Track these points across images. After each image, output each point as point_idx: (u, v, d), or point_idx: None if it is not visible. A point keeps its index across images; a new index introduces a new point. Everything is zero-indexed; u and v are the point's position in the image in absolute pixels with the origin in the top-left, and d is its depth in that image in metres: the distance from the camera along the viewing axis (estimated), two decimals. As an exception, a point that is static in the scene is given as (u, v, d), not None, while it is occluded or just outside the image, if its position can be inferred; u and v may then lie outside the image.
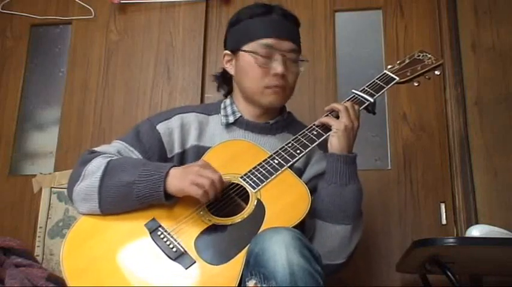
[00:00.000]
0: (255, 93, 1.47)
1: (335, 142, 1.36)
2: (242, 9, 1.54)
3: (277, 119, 1.53)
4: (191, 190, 1.19)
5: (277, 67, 1.43)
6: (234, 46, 1.51)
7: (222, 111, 1.53)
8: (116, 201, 1.24)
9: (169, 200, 1.23)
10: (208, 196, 1.20)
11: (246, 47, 1.46)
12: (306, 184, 1.34)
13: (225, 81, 1.60)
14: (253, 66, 1.45)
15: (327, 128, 1.39)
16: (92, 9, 2.37)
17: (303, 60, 1.49)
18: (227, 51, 1.53)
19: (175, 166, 1.26)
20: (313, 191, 1.38)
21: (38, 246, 2.07)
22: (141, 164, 1.28)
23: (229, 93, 1.60)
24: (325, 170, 1.36)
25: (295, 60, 1.47)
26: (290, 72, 1.47)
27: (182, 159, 1.44)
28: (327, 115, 1.42)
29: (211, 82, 2.24)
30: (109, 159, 1.31)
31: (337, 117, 1.39)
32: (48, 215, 2.10)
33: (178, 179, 1.21)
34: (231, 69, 1.53)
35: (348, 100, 1.45)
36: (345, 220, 1.33)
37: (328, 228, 1.33)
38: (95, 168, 1.28)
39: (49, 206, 2.12)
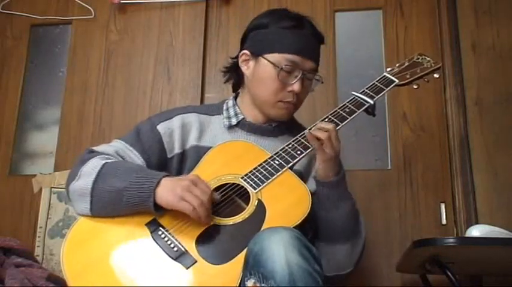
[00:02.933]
0: (267, 103, 1.47)
1: (321, 172, 1.35)
2: (272, 14, 1.51)
3: (279, 122, 1.53)
4: (180, 206, 1.19)
5: (296, 85, 1.42)
6: (256, 50, 1.46)
7: (225, 113, 1.52)
8: (107, 206, 1.24)
9: (159, 211, 1.22)
10: (197, 214, 1.18)
11: (269, 57, 1.43)
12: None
13: (236, 76, 1.57)
14: (272, 78, 1.43)
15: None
16: (92, 9, 2.37)
17: (318, 80, 1.49)
18: (246, 52, 1.49)
19: (168, 176, 1.25)
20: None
21: (38, 246, 2.07)
22: (133, 170, 1.27)
23: (236, 86, 1.59)
24: (315, 194, 1.35)
25: (312, 79, 1.48)
26: (305, 91, 1.47)
27: (182, 159, 1.44)
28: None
29: (211, 82, 2.26)
30: (104, 161, 1.30)
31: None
32: (48, 215, 2.10)
33: (168, 193, 1.20)
34: (246, 69, 1.50)
35: (347, 103, 1.44)
36: (344, 239, 1.35)
37: (329, 248, 1.35)
38: (90, 169, 1.28)
39: (49, 206, 2.12)
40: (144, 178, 1.23)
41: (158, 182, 1.21)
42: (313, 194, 1.34)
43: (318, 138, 1.33)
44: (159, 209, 1.22)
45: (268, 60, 1.43)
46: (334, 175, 1.35)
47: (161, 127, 1.46)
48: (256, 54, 1.47)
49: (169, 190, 1.20)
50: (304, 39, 1.44)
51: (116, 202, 1.23)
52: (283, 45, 1.43)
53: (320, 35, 1.50)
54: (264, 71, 1.44)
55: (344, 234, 1.35)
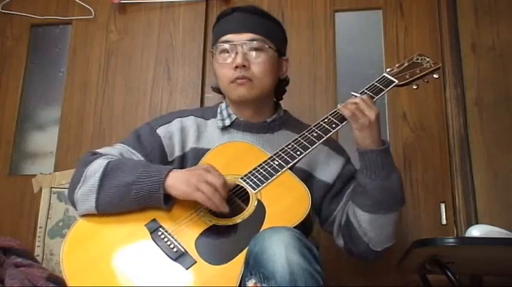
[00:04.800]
0: (226, 90, 1.51)
1: (369, 138, 1.37)
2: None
3: (273, 117, 1.54)
4: (196, 196, 1.19)
5: (236, 59, 1.45)
6: (212, 55, 1.56)
7: (219, 115, 1.54)
8: (114, 201, 1.24)
9: (167, 204, 1.23)
10: (213, 202, 1.19)
11: (213, 50, 1.52)
12: (331, 185, 1.45)
13: (219, 90, 1.60)
14: (218, 64, 1.50)
15: (327, 129, 1.39)
16: (92, 9, 2.37)
17: (269, 47, 1.48)
18: (212, 50, 1.57)
19: (175, 169, 1.25)
20: (341, 189, 1.47)
21: (38, 246, 2.06)
22: (140, 165, 1.28)
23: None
24: (364, 166, 1.38)
25: (258, 47, 1.47)
26: (254, 63, 1.47)
27: (182, 162, 1.45)
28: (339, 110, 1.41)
29: (211, 82, 2.26)
30: (109, 160, 1.31)
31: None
32: (48, 215, 2.10)
33: (182, 183, 1.20)
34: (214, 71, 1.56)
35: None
36: (396, 206, 1.39)
37: (383, 218, 1.37)
38: (96, 168, 1.28)
39: (49, 206, 2.11)
40: (152, 172, 1.23)
41: (167, 175, 1.22)
42: (339, 194, 1.42)
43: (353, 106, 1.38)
44: (167, 202, 1.22)
45: (212, 53, 1.53)
46: (379, 143, 1.38)
47: (161, 131, 1.47)
48: (212, 56, 1.55)
49: (182, 181, 1.21)
50: (234, 18, 1.51)
51: (124, 197, 1.23)
52: (217, 34, 1.53)
53: (255, 9, 1.54)
54: (215, 62, 1.52)
55: (398, 199, 1.39)
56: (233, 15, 1.52)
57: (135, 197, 1.22)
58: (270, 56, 1.49)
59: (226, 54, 1.48)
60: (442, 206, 2.01)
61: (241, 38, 1.47)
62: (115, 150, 1.41)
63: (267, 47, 1.48)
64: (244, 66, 1.44)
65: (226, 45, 1.47)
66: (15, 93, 2.34)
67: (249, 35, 1.47)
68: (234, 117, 1.52)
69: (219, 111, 1.55)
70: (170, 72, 2.29)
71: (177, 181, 1.21)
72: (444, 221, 1.99)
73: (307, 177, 1.43)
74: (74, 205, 1.31)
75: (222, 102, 1.59)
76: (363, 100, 1.38)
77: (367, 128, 1.36)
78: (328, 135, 1.39)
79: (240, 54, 1.45)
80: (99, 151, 1.40)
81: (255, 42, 1.47)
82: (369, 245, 1.40)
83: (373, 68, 2.17)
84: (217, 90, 1.60)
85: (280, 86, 1.59)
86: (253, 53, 1.47)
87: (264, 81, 1.48)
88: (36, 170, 2.24)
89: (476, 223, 1.91)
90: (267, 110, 1.55)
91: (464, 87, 2.08)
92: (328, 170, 1.49)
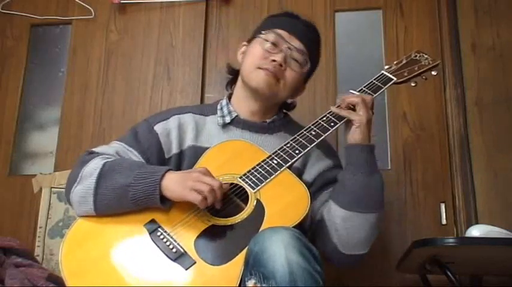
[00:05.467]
0: (248, 72, 1.49)
1: (358, 134, 1.37)
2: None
3: (273, 118, 1.54)
4: (190, 196, 1.19)
5: (277, 55, 1.45)
6: (252, 36, 1.56)
7: (219, 112, 1.53)
8: (111, 203, 1.24)
9: (165, 205, 1.23)
10: (207, 202, 1.19)
11: (261, 34, 1.51)
12: (311, 183, 1.39)
13: (232, 79, 1.62)
14: (257, 48, 1.49)
15: (325, 128, 1.39)
16: (92, 9, 2.37)
17: (307, 62, 1.51)
18: (244, 43, 1.58)
19: (172, 170, 1.25)
20: (319, 189, 1.42)
21: (38, 246, 2.06)
22: (137, 166, 1.27)
23: (230, 84, 1.62)
24: (349, 161, 1.37)
25: (300, 61, 1.49)
26: (290, 69, 1.48)
27: (180, 159, 1.44)
28: (339, 106, 1.42)
29: (211, 82, 2.26)
30: (105, 160, 1.30)
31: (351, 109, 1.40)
32: (48, 215, 2.10)
33: (177, 184, 1.21)
34: (241, 58, 1.56)
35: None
36: (373, 208, 1.35)
37: (358, 217, 1.33)
38: (92, 169, 1.28)
39: (49, 206, 2.11)
40: (148, 173, 1.23)
41: (163, 176, 1.22)
42: (319, 191, 1.39)
43: (352, 104, 1.39)
44: (165, 203, 1.22)
45: (259, 37, 1.51)
46: (367, 142, 1.38)
47: (158, 128, 1.47)
48: (251, 38, 1.55)
49: (177, 182, 1.21)
50: (295, 22, 1.53)
51: (121, 199, 1.23)
52: (274, 23, 1.53)
53: (313, 27, 1.56)
54: (253, 45, 1.52)
55: (377, 200, 1.36)
56: (296, 20, 1.54)
57: (132, 199, 1.22)
58: (302, 74, 1.52)
59: (272, 45, 1.48)
60: (442, 206, 2.00)
61: (295, 42, 1.49)
62: (111, 149, 1.40)
63: (307, 65, 1.51)
64: (280, 65, 1.45)
65: (278, 38, 1.48)
66: (15, 93, 2.34)
67: (301, 45, 1.49)
68: (234, 114, 1.52)
69: (219, 107, 1.55)
70: (170, 72, 2.29)
71: (172, 183, 1.21)
72: (444, 221, 1.99)
73: (299, 175, 1.41)
74: (70, 204, 1.31)
75: (221, 99, 1.59)
76: (369, 99, 1.41)
77: (367, 124, 1.37)
78: (327, 134, 1.39)
79: (284, 53, 1.46)
80: (95, 149, 1.40)
81: (302, 54, 1.49)
82: (337, 246, 1.35)
83: (373, 68, 2.14)
84: (231, 71, 1.61)
85: (286, 106, 1.62)
86: (295, 62, 1.49)
87: (286, 89, 1.50)
88: (36, 170, 2.24)
89: (476, 223, 1.91)
90: (268, 113, 1.55)
91: (464, 87, 2.08)
92: (312, 170, 1.48)
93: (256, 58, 1.48)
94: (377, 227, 1.37)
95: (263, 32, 1.51)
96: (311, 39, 1.54)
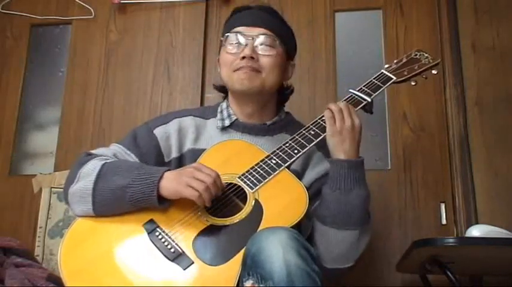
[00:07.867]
0: (229, 79, 1.49)
1: (333, 146, 1.34)
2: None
3: (274, 120, 1.53)
4: (186, 192, 1.19)
5: (244, 51, 1.45)
6: (219, 48, 1.56)
7: (219, 115, 1.53)
8: (110, 204, 1.24)
9: (163, 204, 1.23)
10: (203, 198, 1.19)
11: (223, 42, 1.51)
12: (307, 188, 1.34)
13: (222, 88, 1.61)
14: (225, 55, 1.50)
15: (325, 127, 1.37)
16: (92, 9, 2.38)
17: (280, 45, 1.48)
18: (218, 57, 1.57)
19: (170, 170, 1.25)
20: (317, 194, 1.37)
21: (38, 246, 2.06)
22: (135, 167, 1.27)
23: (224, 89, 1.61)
24: (330, 176, 1.33)
25: (268, 43, 1.47)
26: (262, 55, 1.46)
27: (179, 163, 1.44)
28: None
29: (211, 82, 2.26)
30: (104, 161, 1.30)
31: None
32: (48, 215, 2.10)
33: (173, 182, 1.21)
34: (220, 73, 1.55)
35: (344, 100, 1.43)
36: (351, 226, 1.31)
37: (335, 234, 1.31)
38: (90, 170, 1.28)
39: (49, 206, 2.11)
40: (146, 174, 1.23)
41: (161, 177, 1.22)
42: (317, 196, 1.35)
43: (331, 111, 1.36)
44: (163, 203, 1.22)
45: (223, 45, 1.51)
46: (351, 156, 1.32)
47: (158, 131, 1.46)
48: (219, 50, 1.55)
49: (173, 179, 1.21)
50: (247, 12, 1.52)
51: (119, 200, 1.23)
52: (230, 25, 1.53)
53: (266, 7, 1.56)
54: (222, 56, 1.52)
55: (355, 218, 1.30)
56: (248, 11, 1.53)
57: (130, 200, 1.22)
58: (278, 54, 1.48)
59: (235, 44, 1.48)
60: (442, 206, 2.00)
61: (254, 31, 1.47)
62: (109, 151, 1.40)
63: (278, 43, 1.48)
64: (252, 58, 1.44)
65: (237, 36, 1.47)
66: (15, 93, 2.35)
67: (262, 30, 1.48)
68: (234, 117, 1.51)
69: (219, 110, 1.54)
70: (170, 72, 2.29)
71: (169, 181, 1.21)
72: (444, 221, 1.98)
73: (298, 178, 1.40)
74: (68, 203, 1.31)
75: (222, 101, 1.58)
76: (347, 107, 1.37)
77: (338, 135, 1.33)
78: (325, 134, 1.37)
79: (250, 46, 1.45)
80: (93, 151, 1.40)
81: (266, 37, 1.47)
82: (320, 257, 1.31)
83: (373, 68, 2.13)
84: (219, 88, 1.60)
85: (283, 92, 1.59)
86: (263, 47, 1.47)
87: (269, 75, 1.46)
88: (36, 170, 2.24)
89: (476, 223, 1.91)
90: (268, 112, 1.54)
91: (464, 87, 2.08)
92: (311, 174, 1.46)
93: (228, 64, 1.48)
94: (359, 242, 1.33)
95: (223, 38, 1.52)
96: (270, 20, 1.51)
